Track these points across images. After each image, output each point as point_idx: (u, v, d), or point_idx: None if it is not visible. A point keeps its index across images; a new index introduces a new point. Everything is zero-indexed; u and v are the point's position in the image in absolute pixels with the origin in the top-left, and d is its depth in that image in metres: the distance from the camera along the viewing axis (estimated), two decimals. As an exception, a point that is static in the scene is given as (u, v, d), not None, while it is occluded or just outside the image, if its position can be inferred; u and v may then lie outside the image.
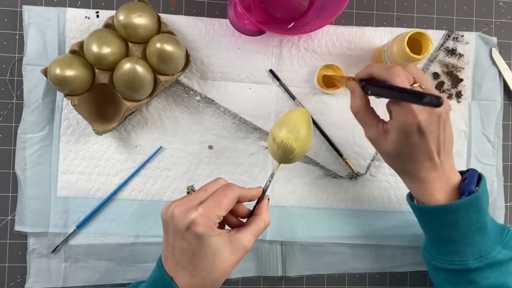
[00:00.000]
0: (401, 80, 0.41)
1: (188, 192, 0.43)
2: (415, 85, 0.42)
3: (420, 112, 0.40)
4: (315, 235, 0.59)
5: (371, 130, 0.46)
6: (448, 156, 0.45)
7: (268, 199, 0.46)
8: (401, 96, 0.38)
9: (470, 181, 0.44)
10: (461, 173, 0.47)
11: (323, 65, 0.58)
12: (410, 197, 0.49)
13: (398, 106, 0.42)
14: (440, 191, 0.44)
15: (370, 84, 0.44)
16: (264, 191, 0.45)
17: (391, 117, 0.44)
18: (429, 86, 0.44)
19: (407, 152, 0.43)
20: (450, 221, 0.43)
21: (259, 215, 0.43)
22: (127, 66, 0.51)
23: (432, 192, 0.44)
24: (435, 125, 0.42)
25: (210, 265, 0.39)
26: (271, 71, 0.59)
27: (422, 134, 0.41)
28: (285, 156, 0.45)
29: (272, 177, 0.46)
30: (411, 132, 0.41)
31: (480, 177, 0.45)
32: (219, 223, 0.40)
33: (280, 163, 0.46)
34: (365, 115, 0.46)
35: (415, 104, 0.39)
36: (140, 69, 0.51)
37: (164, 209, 0.41)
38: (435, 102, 0.32)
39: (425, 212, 0.46)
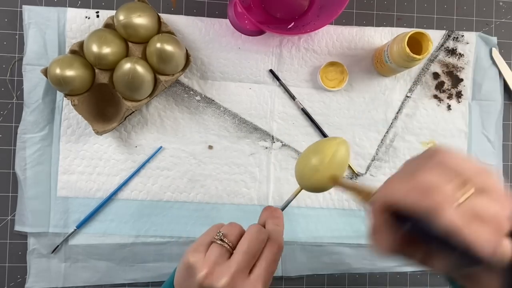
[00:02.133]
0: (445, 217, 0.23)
1: (220, 244, 0.35)
2: (462, 198, 0.24)
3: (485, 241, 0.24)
4: (315, 235, 0.59)
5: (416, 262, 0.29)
6: None
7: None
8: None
9: None
10: None
11: (327, 62, 0.58)
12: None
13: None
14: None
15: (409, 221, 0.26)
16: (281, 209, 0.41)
17: None
18: (487, 180, 0.27)
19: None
20: None
21: (261, 255, 0.35)
22: (127, 66, 0.51)
23: None
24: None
25: None
26: (271, 71, 0.59)
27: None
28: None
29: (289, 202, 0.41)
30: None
31: None
32: None
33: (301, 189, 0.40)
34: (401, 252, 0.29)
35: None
36: (140, 69, 0.51)
37: (190, 256, 0.35)
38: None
39: None
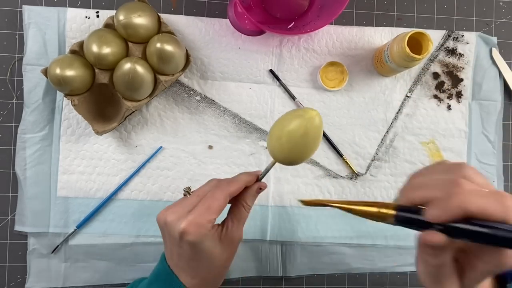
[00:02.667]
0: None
1: (184, 194, 0.43)
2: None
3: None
4: (315, 235, 0.59)
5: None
6: None
7: (260, 188, 0.43)
8: None
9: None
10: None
11: (327, 62, 0.58)
12: None
13: None
14: None
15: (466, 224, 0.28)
16: (259, 178, 0.43)
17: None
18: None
19: None
20: None
21: (237, 200, 0.43)
22: (127, 66, 0.51)
23: None
24: None
25: (207, 266, 0.40)
26: (271, 71, 0.59)
27: None
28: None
29: (267, 170, 0.42)
30: None
31: None
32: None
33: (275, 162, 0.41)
34: (446, 272, 0.31)
35: None
36: (140, 69, 0.51)
37: (159, 215, 0.41)
38: None
39: None
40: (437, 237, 0.28)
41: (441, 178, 0.30)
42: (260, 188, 0.43)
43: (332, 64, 0.58)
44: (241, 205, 0.42)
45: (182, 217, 0.38)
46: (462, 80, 0.61)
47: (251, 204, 0.43)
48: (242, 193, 0.43)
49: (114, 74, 0.53)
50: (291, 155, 0.38)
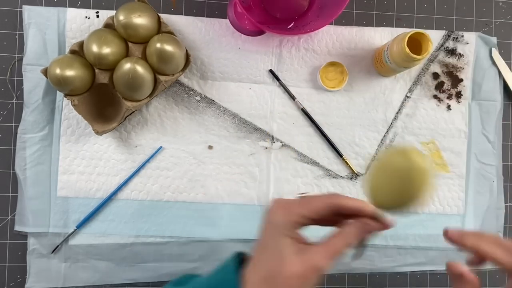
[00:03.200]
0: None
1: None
2: None
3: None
4: (315, 235, 0.59)
5: None
6: None
7: (377, 219, 0.35)
8: None
9: None
10: None
11: (327, 62, 0.58)
12: None
13: None
14: None
15: None
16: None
17: None
18: None
19: None
20: None
21: (341, 229, 0.35)
22: (127, 66, 0.51)
23: None
24: None
25: (271, 261, 0.34)
26: (271, 71, 0.59)
27: None
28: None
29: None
30: None
31: None
32: None
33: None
34: None
35: None
36: (140, 69, 0.51)
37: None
38: None
39: None
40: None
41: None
42: (380, 228, 0.35)
43: (332, 64, 0.58)
44: (343, 237, 0.34)
45: (280, 201, 0.36)
46: (462, 80, 0.61)
47: (354, 239, 0.35)
48: (350, 222, 0.36)
49: (114, 74, 0.53)
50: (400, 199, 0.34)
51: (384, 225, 0.36)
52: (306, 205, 0.34)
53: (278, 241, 0.34)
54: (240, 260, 0.37)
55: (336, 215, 0.35)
